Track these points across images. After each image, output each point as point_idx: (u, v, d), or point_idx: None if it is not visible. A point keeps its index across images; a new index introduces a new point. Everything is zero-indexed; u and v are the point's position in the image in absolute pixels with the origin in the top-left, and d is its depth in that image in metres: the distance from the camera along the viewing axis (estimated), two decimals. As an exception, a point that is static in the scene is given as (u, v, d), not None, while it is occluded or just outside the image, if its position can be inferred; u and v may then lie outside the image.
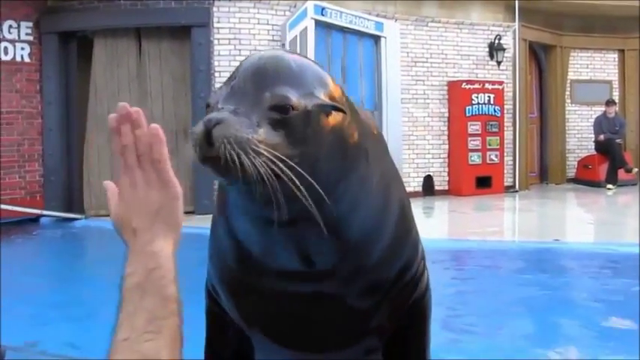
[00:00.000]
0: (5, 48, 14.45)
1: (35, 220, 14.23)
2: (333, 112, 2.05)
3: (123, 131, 1.58)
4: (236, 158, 1.79)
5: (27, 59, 14.75)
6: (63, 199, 14.91)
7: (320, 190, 1.95)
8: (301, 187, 1.90)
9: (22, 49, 14.68)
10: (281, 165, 1.86)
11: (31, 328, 6.85)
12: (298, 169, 1.90)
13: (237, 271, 2.32)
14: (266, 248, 2.19)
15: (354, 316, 2.32)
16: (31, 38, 14.78)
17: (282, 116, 1.92)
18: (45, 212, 14.33)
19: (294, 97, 1.95)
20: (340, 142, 2.06)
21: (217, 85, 14.26)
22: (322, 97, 2.04)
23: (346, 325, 2.34)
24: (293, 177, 1.88)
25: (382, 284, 2.32)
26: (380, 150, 2.34)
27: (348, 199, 2.11)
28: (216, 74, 14.60)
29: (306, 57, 2.21)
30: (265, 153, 1.84)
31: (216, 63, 14.63)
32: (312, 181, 1.93)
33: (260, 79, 1.98)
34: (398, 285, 2.37)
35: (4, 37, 14.44)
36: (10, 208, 13.74)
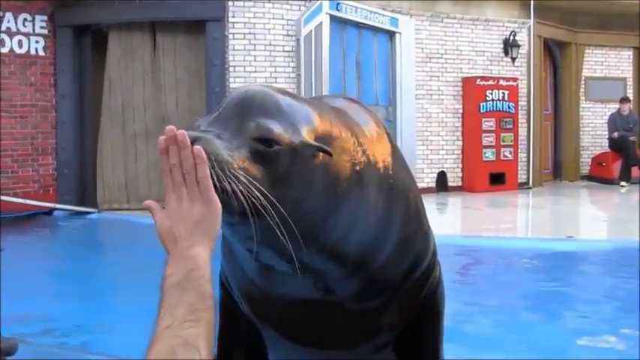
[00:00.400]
0: (20, 41, 14.49)
1: (48, 213, 14.27)
2: (320, 154, 2.01)
3: (170, 152, 1.71)
4: (215, 177, 1.77)
5: (41, 52, 14.79)
6: (76, 193, 14.95)
7: (298, 235, 1.94)
8: (280, 225, 1.89)
9: (37, 42, 14.72)
10: (261, 198, 1.84)
11: (42, 320, 6.87)
12: (279, 206, 1.87)
13: (247, 273, 2.33)
14: (264, 278, 2.21)
15: (364, 314, 2.31)
16: (45, 32, 14.81)
17: (265, 149, 1.90)
18: (58, 206, 14.36)
19: (279, 131, 1.93)
20: (328, 181, 2.02)
21: (232, 80, 14.34)
22: (308, 135, 1.99)
23: (358, 323, 2.33)
24: (273, 213, 1.86)
25: (392, 282, 2.32)
26: (381, 153, 2.29)
27: (341, 227, 2.08)
28: (231, 69, 14.60)
29: (293, 94, 2.16)
30: (244, 180, 1.82)
31: (230, 57, 14.62)
32: (292, 224, 1.91)
33: (246, 109, 1.96)
34: (408, 282, 2.36)
35: (18, 30, 14.47)
36: (23, 201, 13.78)
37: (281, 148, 1.91)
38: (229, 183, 1.80)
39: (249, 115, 1.94)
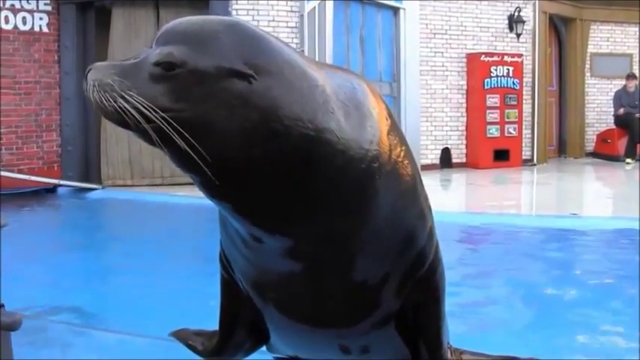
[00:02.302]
0: (24, 18, 14.46)
1: (53, 189, 14.29)
2: (254, 81, 1.93)
3: None
4: (103, 101, 1.86)
5: (45, 29, 14.76)
6: (80, 169, 14.97)
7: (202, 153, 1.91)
8: (182, 140, 1.88)
9: (41, 19, 14.69)
10: (155, 113, 1.86)
11: (47, 295, 6.89)
12: (176, 121, 1.88)
13: (238, 248, 2.32)
14: (252, 251, 2.21)
15: (361, 290, 2.30)
16: (49, 8, 14.78)
17: (162, 72, 1.91)
18: (62, 182, 14.38)
19: (181, 55, 1.91)
20: (263, 112, 1.93)
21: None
22: (239, 63, 1.92)
23: (355, 300, 2.32)
24: (169, 128, 1.87)
25: (384, 258, 2.29)
26: (363, 116, 2.21)
27: (295, 174, 2.00)
28: (234, 45, 14.55)
29: (244, 24, 2.06)
30: (133, 100, 1.86)
31: (234, 34, 14.57)
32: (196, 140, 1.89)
33: (161, 38, 2.00)
34: (403, 259, 2.33)
35: (22, 6, 14.44)
36: (28, 177, 13.80)
37: (182, 71, 1.90)
38: (118, 104, 1.86)
39: (162, 43, 1.98)
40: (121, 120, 1.88)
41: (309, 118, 1.99)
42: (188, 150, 1.89)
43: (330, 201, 2.09)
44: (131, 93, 1.86)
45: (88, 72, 1.91)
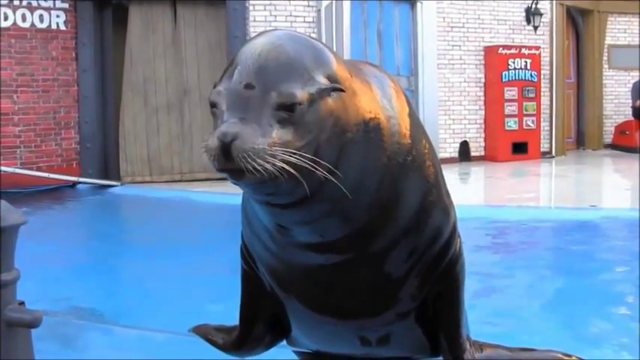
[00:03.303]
0: (41, 15, 14.50)
1: (72, 187, 14.34)
2: (334, 93, 2.02)
3: None
4: (256, 166, 1.86)
5: (62, 27, 14.79)
6: (99, 166, 15.00)
7: (327, 165, 1.99)
8: (327, 176, 1.97)
9: (58, 16, 14.72)
10: (294, 158, 1.90)
11: (67, 292, 6.92)
12: (307, 155, 1.93)
13: (264, 242, 2.33)
14: (278, 227, 2.21)
15: (385, 283, 2.31)
16: (66, 5, 14.80)
17: (290, 115, 1.93)
18: (81, 179, 14.42)
19: (300, 93, 1.94)
20: (340, 124, 2.03)
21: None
22: (323, 79, 2.00)
23: (379, 292, 2.33)
24: (304, 163, 1.92)
25: (410, 253, 2.31)
26: (397, 114, 2.28)
27: (353, 174, 2.09)
28: (251, 40, 14.56)
29: (301, 35, 2.15)
30: (280, 154, 1.88)
31: (251, 29, 14.59)
32: (318, 160, 1.95)
33: (263, 77, 1.96)
34: (428, 253, 2.35)
35: (39, 4, 14.48)
36: (47, 175, 13.86)
37: (304, 106, 1.94)
38: (269, 163, 1.87)
39: (268, 84, 1.95)
40: (263, 177, 1.90)
41: (366, 121, 2.12)
42: (316, 168, 1.96)
43: (368, 195, 2.13)
44: (276, 150, 1.90)
45: (231, 142, 1.87)
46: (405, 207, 2.23)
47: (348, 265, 2.24)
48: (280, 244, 2.25)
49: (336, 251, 2.20)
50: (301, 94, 1.94)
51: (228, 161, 1.87)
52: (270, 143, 1.88)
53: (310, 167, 1.92)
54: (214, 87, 2.07)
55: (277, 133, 1.91)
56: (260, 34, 2.12)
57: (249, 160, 1.85)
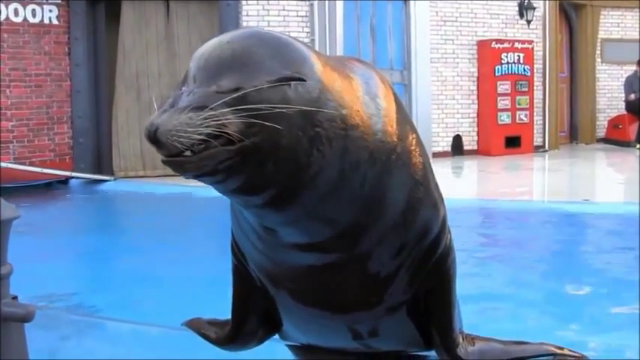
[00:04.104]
0: (33, 10, 14.47)
1: (65, 182, 14.33)
2: (295, 85, 1.94)
3: None
4: (182, 140, 1.80)
5: (55, 21, 14.77)
6: (92, 161, 15.00)
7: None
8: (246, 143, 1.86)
9: (50, 11, 14.70)
10: (221, 121, 1.83)
11: (60, 286, 6.92)
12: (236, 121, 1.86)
13: (252, 241, 2.33)
14: (264, 228, 2.20)
15: (374, 279, 2.31)
16: (58, 0, 14.78)
17: (233, 99, 1.86)
18: (74, 174, 14.42)
19: (238, 82, 1.88)
20: (304, 113, 1.95)
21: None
22: (279, 72, 1.93)
23: (369, 288, 2.33)
24: (235, 134, 1.84)
25: (398, 250, 2.31)
26: (382, 110, 2.24)
27: (330, 173, 2.08)
28: (244, 35, 14.57)
29: (266, 32, 2.08)
30: (205, 121, 1.82)
31: (244, 23, 14.59)
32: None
33: (202, 74, 1.93)
34: (417, 249, 2.35)
35: (31, -1, 14.48)
36: (40, 170, 13.85)
37: (248, 93, 1.88)
38: (200, 131, 1.81)
39: (207, 79, 1.92)
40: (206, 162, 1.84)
41: (342, 117, 2.04)
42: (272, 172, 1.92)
43: (351, 194, 2.11)
44: (200, 116, 1.82)
45: (155, 131, 1.82)
46: (392, 205, 2.22)
47: (337, 263, 2.24)
48: (268, 244, 2.25)
49: (323, 251, 2.20)
50: (243, 84, 1.88)
51: (162, 149, 1.84)
52: (193, 116, 1.83)
53: (236, 136, 1.84)
54: None
55: (207, 110, 1.85)
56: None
57: (172, 138, 1.80)
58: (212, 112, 1.83)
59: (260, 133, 1.87)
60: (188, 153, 1.83)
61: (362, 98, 2.15)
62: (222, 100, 1.85)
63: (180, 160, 1.84)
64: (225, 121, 1.83)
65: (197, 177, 1.91)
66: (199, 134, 1.81)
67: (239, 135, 1.84)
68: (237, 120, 1.84)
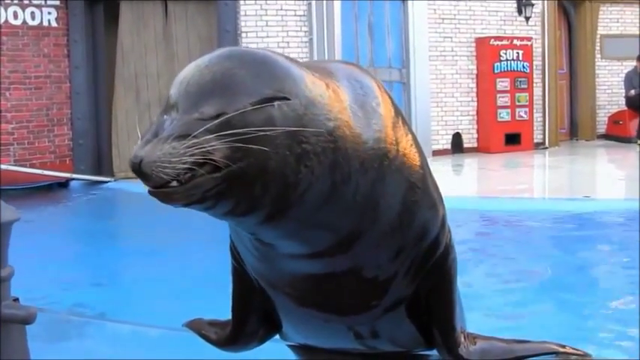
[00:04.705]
0: (32, 13, 14.48)
1: (65, 183, 14.35)
2: (279, 104, 1.92)
3: None
4: (166, 171, 1.79)
5: (54, 24, 14.78)
6: (92, 163, 15.02)
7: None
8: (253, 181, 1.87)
9: (49, 13, 14.71)
10: (204, 148, 1.81)
11: (61, 288, 6.93)
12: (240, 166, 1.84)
13: (250, 248, 2.32)
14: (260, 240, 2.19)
15: (373, 282, 2.31)
16: (57, 2, 14.79)
17: (209, 122, 1.83)
18: (75, 176, 14.45)
19: (220, 108, 1.85)
20: (289, 132, 1.92)
21: (244, 46, 14.28)
22: (267, 91, 1.90)
23: (367, 290, 2.33)
24: (221, 160, 1.82)
25: (400, 249, 2.30)
26: (374, 117, 2.22)
27: (321, 186, 2.03)
28: (243, 34, 14.58)
29: (245, 50, 2.04)
30: (190, 150, 1.79)
31: (242, 23, 14.59)
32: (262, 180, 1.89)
33: (184, 100, 1.89)
34: (416, 251, 2.34)
35: (30, 2, 14.47)
36: (40, 172, 13.86)
37: (231, 117, 1.85)
38: (184, 160, 1.79)
39: (189, 106, 1.88)
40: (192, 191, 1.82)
41: (329, 130, 2.01)
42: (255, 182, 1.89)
43: (345, 203, 2.10)
44: (185, 146, 1.80)
45: (140, 163, 1.80)
46: (387, 209, 2.21)
47: (335, 268, 2.23)
48: (265, 253, 2.24)
49: (320, 258, 2.19)
50: (225, 109, 1.85)
51: (148, 181, 1.81)
52: (176, 145, 1.80)
53: (223, 162, 1.82)
54: None
55: (190, 138, 1.82)
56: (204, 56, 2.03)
57: (157, 169, 1.79)
58: (195, 140, 1.80)
59: (246, 157, 1.84)
60: (175, 183, 1.81)
61: (350, 108, 2.12)
62: (205, 127, 1.82)
63: (166, 191, 1.82)
64: (209, 148, 1.81)
65: (186, 206, 1.88)
66: (184, 163, 1.79)
67: (225, 161, 1.82)
68: (222, 146, 1.82)
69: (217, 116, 1.84)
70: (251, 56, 1.99)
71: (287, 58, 2.10)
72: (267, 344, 2.73)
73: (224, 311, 2.72)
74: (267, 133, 1.86)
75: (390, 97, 2.35)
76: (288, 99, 1.93)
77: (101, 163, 15.18)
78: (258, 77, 1.93)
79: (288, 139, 1.91)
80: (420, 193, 2.29)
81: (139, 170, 1.80)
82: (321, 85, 2.07)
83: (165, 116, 1.91)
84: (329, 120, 2.02)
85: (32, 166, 14.12)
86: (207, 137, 1.81)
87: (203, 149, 1.80)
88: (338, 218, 2.11)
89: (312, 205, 2.02)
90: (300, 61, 2.24)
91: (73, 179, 14.43)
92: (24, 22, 14.39)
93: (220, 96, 1.88)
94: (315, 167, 1.98)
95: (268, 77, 1.94)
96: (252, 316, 2.63)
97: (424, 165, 2.34)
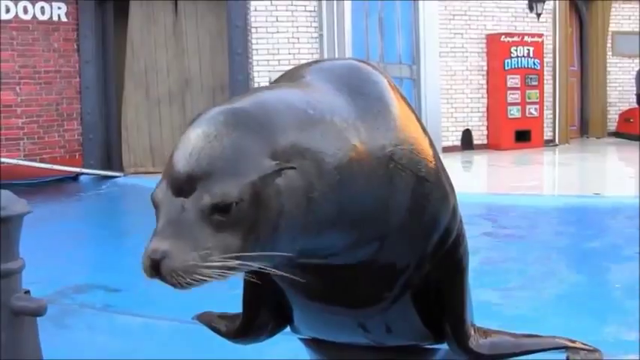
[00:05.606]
0: (42, 8, 14.50)
1: (75, 178, 14.38)
2: (284, 171, 1.93)
3: None
4: (190, 282, 1.82)
5: (64, 18, 14.80)
6: (102, 157, 15.05)
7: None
8: (261, 265, 1.93)
9: (59, 8, 14.73)
10: (238, 262, 1.86)
11: (73, 281, 6.95)
12: (256, 255, 1.89)
13: None
14: None
15: (385, 275, 2.32)
16: (67, -3, 14.83)
17: (227, 216, 1.85)
18: (84, 170, 14.48)
19: (236, 189, 1.85)
20: (297, 192, 1.95)
21: (254, 41, 14.32)
22: (267, 162, 1.90)
23: (379, 283, 2.34)
24: (253, 265, 1.89)
25: (411, 242, 2.31)
26: (376, 123, 2.22)
27: (328, 212, 2.04)
28: (253, 30, 14.58)
29: (240, 110, 2.00)
30: (217, 263, 1.83)
31: (252, 19, 14.59)
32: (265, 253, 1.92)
33: (193, 181, 1.87)
34: (429, 240, 2.35)
35: (40, -4, 14.51)
36: (50, 166, 13.89)
37: (245, 201, 1.86)
38: (205, 275, 1.83)
39: (199, 188, 1.87)
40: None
41: (335, 165, 2.03)
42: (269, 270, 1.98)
43: (359, 205, 2.11)
44: (212, 260, 1.84)
45: (161, 261, 1.83)
46: (397, 207, 2.22)
47: (346, 264, 2.24)
48: None
49: (332, 258, 2.21)
50: (238, 190, 1.85)
51: (161, 277, 1.84)
52: (203, 255, 1.82)
53: (250, 266, 1.88)
54: (157, 185, 1.97)
55: (214, 240, 1.84)
56: (196, 119, 2.00)
57: (179, 279, 1.81)
58: (219, 263, 1.84)
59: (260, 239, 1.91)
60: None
61: (353, 126, 2.13)
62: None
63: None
64: (231, 265, 1.86)
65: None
66: (204, 276, 1.83)
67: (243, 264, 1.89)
68: (241, 264, 1.88)
69: (228, 206, 1.85)
70: (254, 117, 1.97)
71: (289, 96, 2.12)
72: (277, 337, 2.74)
73: (234, 304, 2.73)
74: (282, 204, 1.92)
75: (400, 94, 2.35)
76: (294, 167, 1.94)
77: (111, 158, 15.21)
78: (263, 144, 1.92)
79: (298, 198, 1.95)
80: (429, 186, 2.30)
81: (157, 268, 1.84)
82: (321, 116, 2.07)
83: (174, 195, 1.90)
84: (332, 160, 2.03)
85: (42, 160, 14.16)
86: (225, 256, 1.85)
87: (225, 266, 1.85)
88: (346, 229, 2.13)
89: (323, 227, 2.05)
90: (304, 62, 2.23)
91: (83, 174, 14.46)
92: (34, 16, 14.42)
93: (233, 175, 1.87)
94: (324, 203, 2.01)
95: (273, 140, 1.94)
96: (263, 308, 2.64)
97: (435, 158, 2.34)
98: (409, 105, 2.38)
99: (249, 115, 1.97)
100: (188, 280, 1.82)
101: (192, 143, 1.92)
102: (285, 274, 2.00)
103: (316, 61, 2.56)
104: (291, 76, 2.35)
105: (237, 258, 1.86)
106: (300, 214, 1.95)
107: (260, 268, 1.92)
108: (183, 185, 1.88)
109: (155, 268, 1.83)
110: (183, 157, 1.90)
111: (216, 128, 1.93)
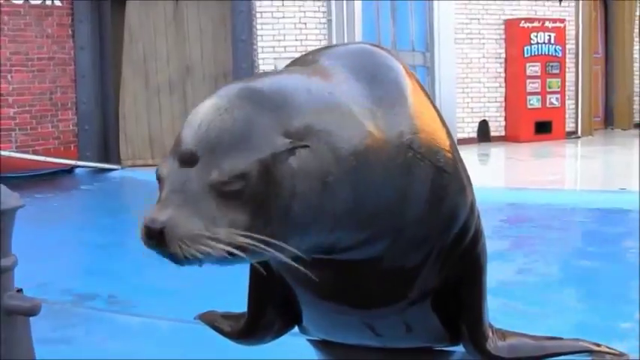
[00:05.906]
0: (35, -10, 14.52)
1: (70, 171, 14.39)
2: (297, 150, 1.94)
3: None
4: (195, 253, 1.81)
5: (58, 2, 14.80)
6: (98, 149, 15.04)
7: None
8: (271, 250, 1.89)
9: (53, -9, 14.75)
10: (247, 240, 1.85)
11: (67, 279, 6.97)
12: (256, 236, 1.87)
13: None
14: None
15: (400, 272, 2.32)
16: (61, -20, 14.84)
17: (236, 190, 1.86)
18: (80, 163, 14.48)
19: (246, 165, 1.87)
20: (311, 174, 1.96)
21: (259, 27, 14.31)
22: (280, 140, 1.92)
23: (393, 281, 2.34)
24: (261, 246, 1.87)
25: (425, 241, 2.31)
26: (392, 111, 2.23)
27: (344, 204, 2.05)
28: (258, 15, 14.56)
29: (256, 87, 2.03)
30: (224, 237, 1.83)
31: (257, 3, 14.58)
32: (269, 240, 1.90)
33: (202, 154, 1.88)
34: (444, 239, 2.35)
35: (33, -21, 14.51)
36: (43, 159, 13.89)
37: (254, 177, 1.88)
38: (212, 247, 1.82)
39: (208, 161, 1.88)
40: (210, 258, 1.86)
41: (350, 151, 2.04)
42: (276, 255, 1.93)
43: (376, 195, 2.12)
44: (219, 233, 1.84)
45: (162, 229, 1.82)
46: (414, 198, 2.22)
47: (358, 260, 2.25)
48: None
49: (346, 253, 2.21)
50: (247, 164, 1.87)
51: (162, 246, 1.83)
52: (210, 225, 1.83)
53: (260, 248, 1.87)
54: (163, 160, 1.98)
55: (219, 213, 1.85)
56: (213, 95, 2.02)
57: (184, 247, 1.81)
58: (225, 237, 1.84)
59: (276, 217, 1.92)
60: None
61: (369, 112, 2.15)
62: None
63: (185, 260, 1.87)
64: (239, 242, 1.85)
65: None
66: (209, 248, 1.83)
67: (259, 247, 1.88)
68: (250, 244, 1.87)
69: (240, 176, 1.85)
70: (268, 95, 1.98)
71: (305, 78, 2.14)
72: (283, 337, 2.74)
73: (239, 304, 2.74)
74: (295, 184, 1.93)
75: (416, 80, 2.36)
76: (307, 146, 1.95)
77: (107, 150, 15.19)
78: (277, 123, 1.94)
79: (311, 180, 1.96)
80: (447, 177, 2.30)
81: (158, 237, 1.83)
82: (335, 100, 2.09)
83: (180, 167, 1.90)
84: (347, 146, 2.04)
85: (35, 152, 14.16)
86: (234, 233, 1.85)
87: (235, 243, 1.84)
88: (362, 222, 2.13)
89: (338, 213, 2.05)
90: (311, 48, 2.24)
91: (78, 166, 14.47)
92: (26, 0, 14.42)
93: (242, 150, 1.89)
94: (339, 190, 2.02)
95: (287, 120, 1.96)
96: (269, 307, 2.64)
97: (453, 149, 2.35)
98: (426, 92, 2.39)
99: (263, 93, 1.99)
100: (192, 250, 1.81)
101: (202, 115, 1.94)
102: (294, 264, 1.99)
103: (328, 47, 2.58)
104: (304, 62, 2.36)
105: (247, 238, 1.86)
106: (313, 198, 1.96)
107: (268, 251, 1.89)
108: (190, 156, 1.89)
109: (154, 236, 1.83)
110: (192, 129, 1.92)
111: (229, 101, 1.96)
